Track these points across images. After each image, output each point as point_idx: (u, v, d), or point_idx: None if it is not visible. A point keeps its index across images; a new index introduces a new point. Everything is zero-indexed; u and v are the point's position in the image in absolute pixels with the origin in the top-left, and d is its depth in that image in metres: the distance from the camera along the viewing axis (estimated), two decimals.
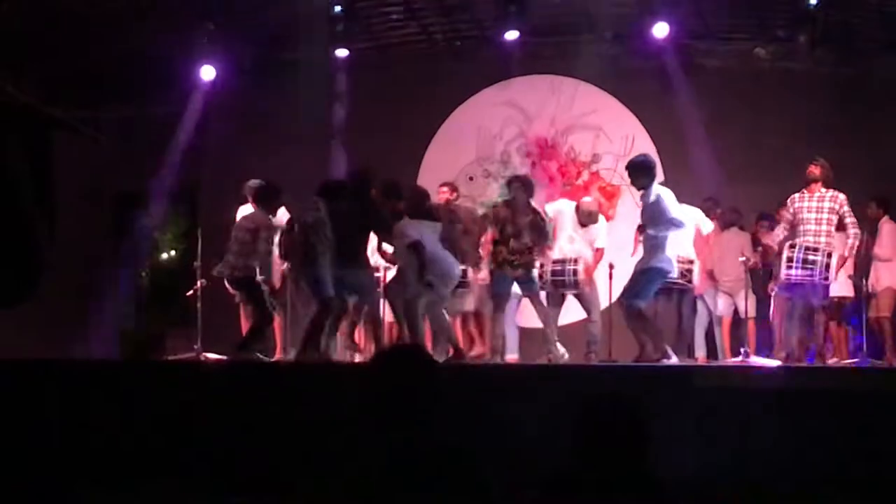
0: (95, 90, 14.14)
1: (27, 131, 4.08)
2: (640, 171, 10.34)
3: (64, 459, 7.48)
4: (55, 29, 12.76)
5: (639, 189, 10.42)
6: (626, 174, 14.11)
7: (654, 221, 10.09)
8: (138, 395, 8.01)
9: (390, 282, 10.83)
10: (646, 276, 10.16)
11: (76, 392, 7.96)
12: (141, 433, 7.72)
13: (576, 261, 11.33)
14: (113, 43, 13.21)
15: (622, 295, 10.32)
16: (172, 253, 14.58)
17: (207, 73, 14.02)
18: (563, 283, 11.31)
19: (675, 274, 10.60)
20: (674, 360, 10.07)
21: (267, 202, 10.90)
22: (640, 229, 10.31)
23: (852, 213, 10.55)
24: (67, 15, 12.56)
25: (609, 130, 14.70)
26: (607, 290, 11.70)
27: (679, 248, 11.54)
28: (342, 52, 13.88)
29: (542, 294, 11.58)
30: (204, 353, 11.22)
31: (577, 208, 11.78)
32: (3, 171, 3.45)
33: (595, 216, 11.77)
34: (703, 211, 12.17)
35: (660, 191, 10.25)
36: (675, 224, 10.14)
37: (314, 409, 7.68)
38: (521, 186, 11.17)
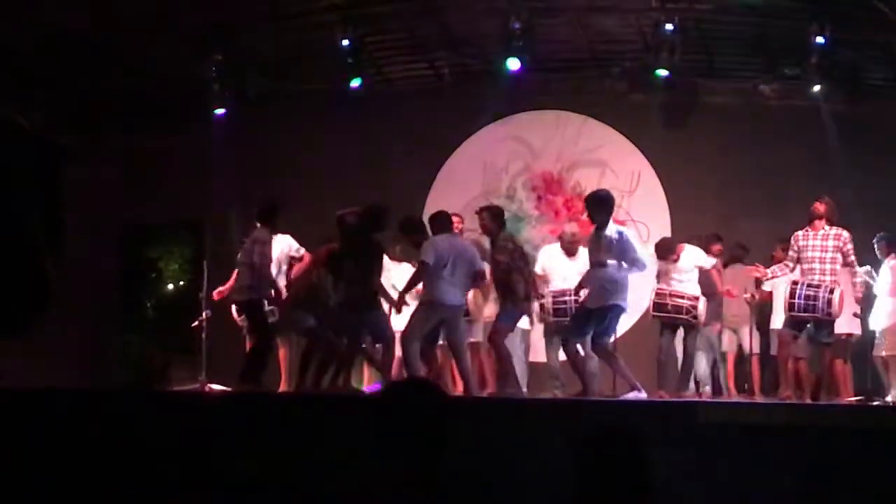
0: (101, 119, 14.18)
1: (35, 161, 4.11)
2: (601, 206, 10.29)
3: (67, 488, 7.46)
4: (62, 58, 12.82)
5: (598, 225, 10.30)
6: (631, 210, 14.32)
7: (620, 258, 10.05)
8: (142, 425, 8.00)
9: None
10: (613, 314, 10.22)
11: (80, 421, 7.95)
12: (144, 463, 7.70)
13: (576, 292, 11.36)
14: (120, 72, 13.27)
15: (588, 336, 10.32)
16: (178, 283, 14.56)
17: (214, 103, 14.03)
18: (564, 311, 11.31)
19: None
20: (643, 395, 10.05)
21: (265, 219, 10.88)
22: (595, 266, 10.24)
23: (855, 251, 10.55)
24: (74, 44, 12.62)
25: (615, 166, 14.72)
26: None
27: (685, 285, 11.57)
28: (349, 85, 13.89)
29: (542, 327, 11.67)
30: (208, 384, 11.22)
31: (560, 237, 11.85)
32: (11, 200, 3.47)
33: (578, 236, 11.78)
34: (704, 247, 12.15)
35: (621, 228, 10.29)
36: (640, 265, 10.17)
37: (319, 441, 7.66)
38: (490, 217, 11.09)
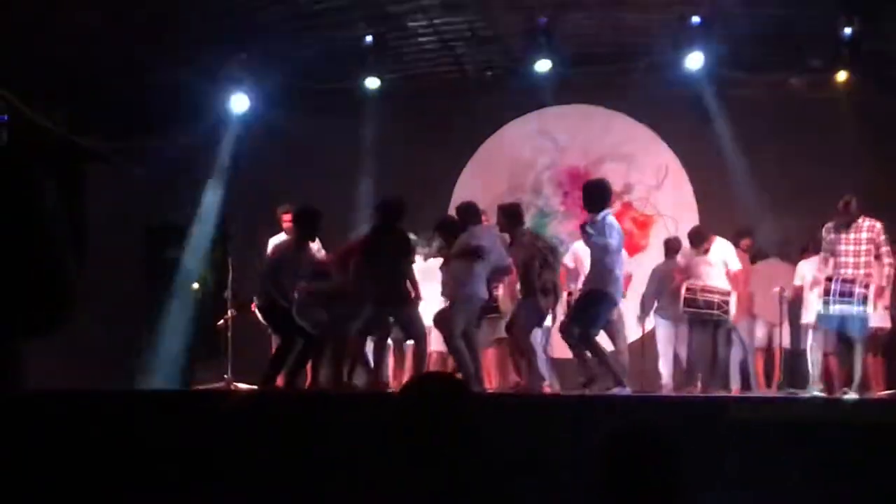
0: (127, 121, 14.19)
1: (59, 163, 4.11)
2: (590, 196, 10.26)
3: (92, 487, 7.47)
4: (87, 60, 12.84)
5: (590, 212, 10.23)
6: (659, 204, 14.26)
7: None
8: (166, 424, 8.00)
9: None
10: (595, 301, 10.12)
11: (106, 421, 7.96)
12: (170, 462, 7.70)
13: None
14: (145, 73, 13.28)
15: (573, 322, 10.18)
16: (203, 283, 14.55)
17: (239, 102, 14.04)
18: None
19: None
20: (627, 390, 9.96)
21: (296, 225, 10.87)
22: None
23: (888, 242, 10.45)
24: (100, 46, 12.64)
25: (642, 161, 14.66)
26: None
27: (717, 279, 11.52)
28: (374, 83, 13.87)
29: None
30: (234, 383, 11.22)
31: None
32: (35, 202, 3.45)
33: None
34: (733, 241, 12.07)
35: (604, 214, 10.15)
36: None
37: (344, 439, 7.64)
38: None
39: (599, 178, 11.01)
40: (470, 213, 10.63)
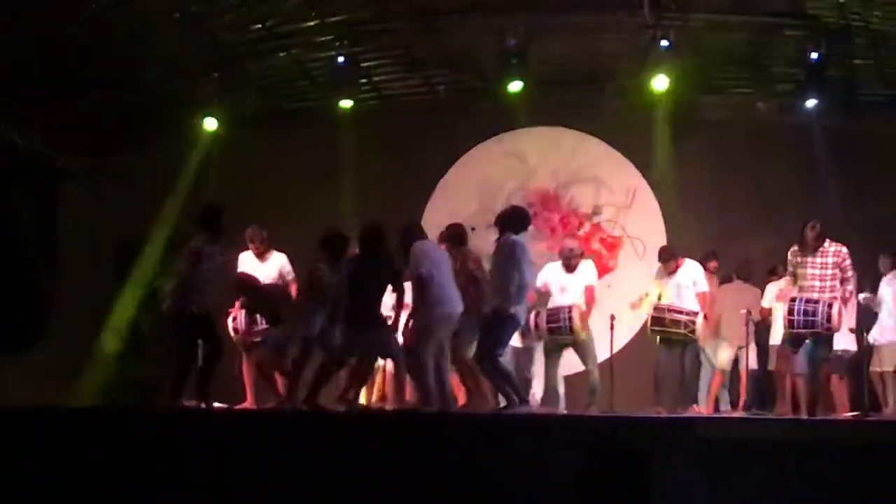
0: (99, 138, 14.18)
1: (32, 180, 4.13)
2: (505, 222, 10.19)
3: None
4: (60, 77, 12.83)
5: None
6: (627, 226, 14.38)
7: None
8: (138, 442, 8.00)
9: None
10: (499, 321, 9.96)
11: (78, 438, 7.95)
12: (142, 480, 7.71)
13: (570, 308, 11.36)
14: (117, 91, 13.29)
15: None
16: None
17: (210, 121, 14.05)
18: (559, 329, 11.31)
19: None
20: (526, 408, 9.98)
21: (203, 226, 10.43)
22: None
23: (852, 267, 10.56)
24: (72, 63, 12.64)
25: (611, 182, 14.77)
26: (608, 342, 11.75)
27: (686, 300, 11.61)
28: (345, 103, 13.91)
29: (539, 345, 11.66)
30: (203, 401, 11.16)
31: (560, 252, 11.84)
32: (9, 220, 3.49)
33: (577, 250, 11.80)
34: (701, 263, 12.17)
35: (514, 238, 10.05)
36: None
37: (317, 458, 7.66)
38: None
39: (519, 207, 10.97)
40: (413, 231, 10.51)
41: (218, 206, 10.58)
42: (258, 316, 11.28)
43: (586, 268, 11.86)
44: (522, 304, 10.00)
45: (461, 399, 10.98)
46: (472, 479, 5.42)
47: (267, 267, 11.72)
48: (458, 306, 9.94)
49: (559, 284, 11.70)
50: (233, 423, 8.86)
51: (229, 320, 11.43)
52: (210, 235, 10.25)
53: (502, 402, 10.28)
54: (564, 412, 11.57)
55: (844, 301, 10.64)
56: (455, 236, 10.74)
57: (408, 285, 10.13)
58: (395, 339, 10.36)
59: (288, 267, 11.83)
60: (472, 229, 14.33)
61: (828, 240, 10.54)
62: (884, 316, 11.74)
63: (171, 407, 9.92)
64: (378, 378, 11.78)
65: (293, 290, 11.53)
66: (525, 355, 12.00)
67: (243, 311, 11.31)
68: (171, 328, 10.54)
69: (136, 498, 7.70)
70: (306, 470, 7.64)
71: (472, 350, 10.31)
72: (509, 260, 9.84)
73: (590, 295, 11.70)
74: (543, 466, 7.20)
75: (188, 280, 10.11)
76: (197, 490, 7.73)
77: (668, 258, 11.87)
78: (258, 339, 11.40)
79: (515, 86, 13.44)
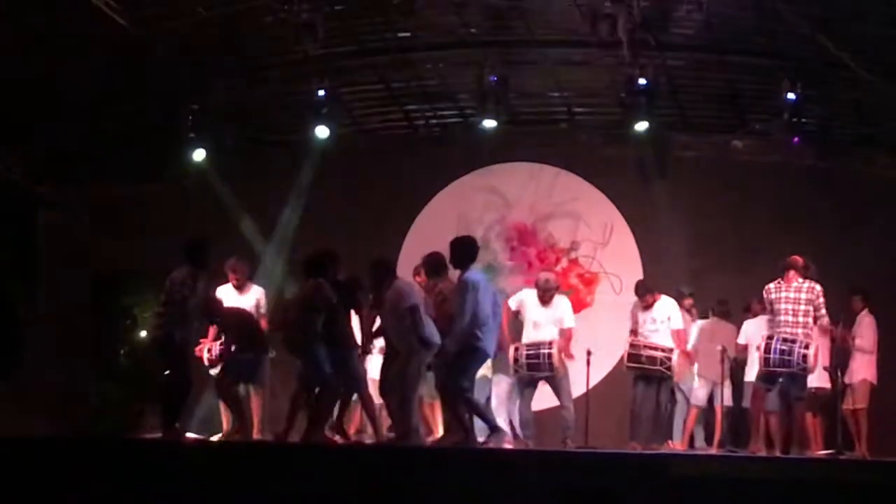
0: (77, 168, 14.19)
1: (12, 209, 4.14)
2: (455, 252, 10.24)
3: None
4: (41, 108, 12.84)
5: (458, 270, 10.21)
6: (604, 262, 14.43)
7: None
8: (115, 472, 7.98)
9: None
10: (468, 354, 9.99)
11: (54, 468, 7.92)
12: None
13: (550, 344, 11.37)
14: (98, 122, 13.31)
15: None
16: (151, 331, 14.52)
17: (191, 152, 14.05)
18: (538, 366, 11.33)
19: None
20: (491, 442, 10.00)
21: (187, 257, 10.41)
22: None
23: (825, 306, 10.63)
24: (53, 94, 12.65)
25: (588, 218, 14.81)
26: (584, 377, 11.77)
27: (661, 336, 11.66)
28: (324, 134, 13.91)
29: (513, 379, 11.65)
30: (184, 431, 11.14)
31: (536, 283, 11.84)
32: None
33: (553, 283, 11.79)
34: (677, 300, 12.22)
35: (469, 276, 10.09)
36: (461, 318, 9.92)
37: (297, 489, 7.66)
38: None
39: (465, 236, 10.99)
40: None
41: (202, 240, 10.57)
42: (230, 345, 11.29)
43: (562, 305, 11.83)
44: (488, 336, 10.02)
45: (437, 432, 11.03)
46: None
47: (246, 299, 11.72)
48: (437, 338, 9.98)
49: (533, 320, 11.69)
50: (201, 455, 8.84)
51: (204, 351, 11.39)
52: (192, 269, 10.24)
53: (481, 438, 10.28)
54: (532, 447, 11.57)
55: (831, 339, 10.74)
56: (434, 265, 10.77)
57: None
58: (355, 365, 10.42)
59: (264, 301, 11.84)
60: (445, 260, 14.40)
61: (802, 277, 10.62)
62: (856, 354, 11.82)
63: (170, 437, 9.92)
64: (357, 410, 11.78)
65: (263, 323, 11.52)
66: (481, 389, 11.90)
67: (217, 343, 11.29)
68: (156, 356, 10.51)
69: None
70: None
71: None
72: (462, 299, 9.86)
73: (569, 335, 11.71)
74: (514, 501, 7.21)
75: (172, 310, 10.09)
76: None
77: (645, 292, 11.92)
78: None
79: (493, 121, 13.48)
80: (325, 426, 10.34)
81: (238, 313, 11.10)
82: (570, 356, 11.66)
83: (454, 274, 10.42)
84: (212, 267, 10.85)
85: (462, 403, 10.04)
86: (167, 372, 10.30)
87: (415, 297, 10.06)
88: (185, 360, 10.29)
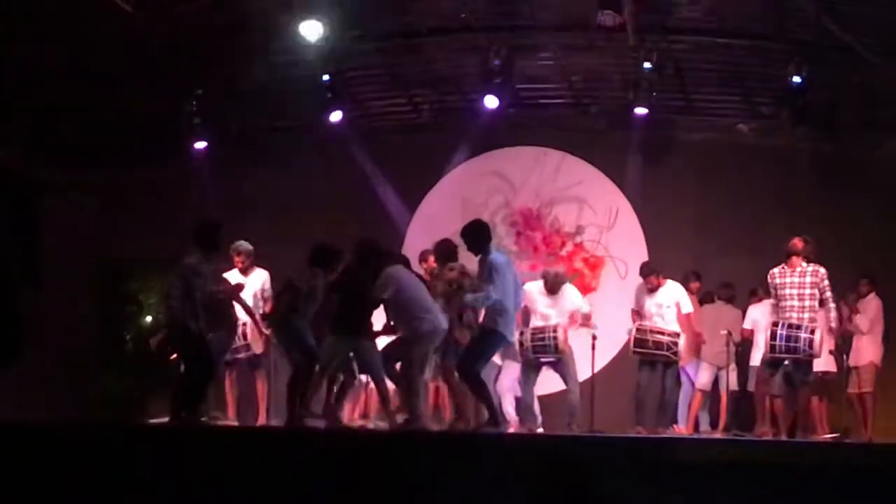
0: (81, 154, 14.18)
1: (14, 196, 4.14)
2: (471, 237, 10.23)
3: None
4: (42, 95, 12.83)
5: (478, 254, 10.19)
6: (609, 246, 14.41)
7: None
8: (119, 459, 7.98)
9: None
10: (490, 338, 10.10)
11: (57, 455, 7.92)
12: (123, 498, 7.68)
13: (555, 328, 11.38)
14: (101, 107, 13.29)
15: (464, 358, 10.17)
16: (157, 316, 14.53)
17: (196, 138, 14.04)
18: (544, 347, 11.34)
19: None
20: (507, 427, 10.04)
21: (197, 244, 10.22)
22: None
23: (830, 288, 10.62)
24: (55, 79, 12.64)
25: (593, 202, 14.80)
26: (590, 361, 11.78)
27: (667, 321, 11.65)
28: (331, 119, 13.90)
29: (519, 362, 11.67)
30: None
31: (543, 276, 11.84)
32: None
33: (561, 276, 11.80)
34: (683, 284, 12.21)
35: (494, 256, 10.13)
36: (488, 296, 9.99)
37: (300, 476, 7.65)
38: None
39: (473, 220, 10.97)
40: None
41: (214, 223, 10.41)
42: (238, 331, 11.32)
43: (570, 294, 11.85)
44: (508, 321, 10.06)
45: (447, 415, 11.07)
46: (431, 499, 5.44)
47: (250, 282, 11.73)
48: (438, 323, 9.98)
49: (541, 311, 11.71)
50: (208, 440, 8.83)
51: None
52: (205, 253, 10.10)
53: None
54: (541, 431, 11.58)
55: (831, 332, 10.75)
56: (445, 252, 10.81)
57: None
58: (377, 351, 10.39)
59: (269, 284, 11.83)
60: (456, 247, 14.38)
61: (807, 260, 10.62)
62: (859, 337, 11.81)
63: (193, 424, 9.90)
64: (362, 395, 11.79)
65: (268, 307, 11.51)
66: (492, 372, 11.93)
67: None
68: (176, 344, 10.42)
69: None
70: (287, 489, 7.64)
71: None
72: (490, 279, 9.88)
73: (587, 319, 11.74)
74: (511, 488, 7.18)
75: (186, 297, 9.88)
76: None
77: (649, 273, 11.90)
78: (239, 356, 11.45)
79: (490, 102, 13.46)
80: (309, 403, 10.28)
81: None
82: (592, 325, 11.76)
83: (467, 261, 10.47)
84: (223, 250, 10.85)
85: (474, 385, 10.09)
86: (186, 358, 10.24)
87: (391, 286, 10.03)
88: (206, 345, 10.18)
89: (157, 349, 11.11)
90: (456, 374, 10.30)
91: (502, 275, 9.90)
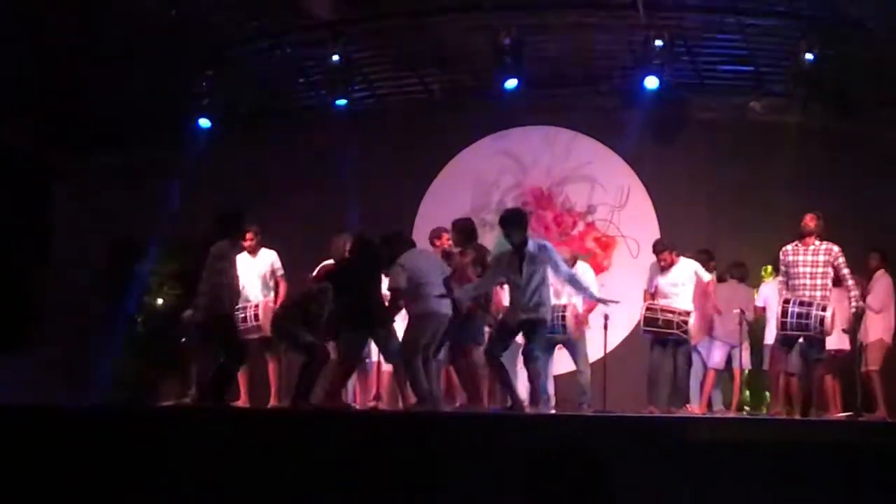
0: (90, 136, 14.18)
1: (24, 179, 4.12)
2: (511, 225, 10.03)
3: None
4: (52, 76, 12.82)
5: (516, 243, 10.00)
6: (621, 225, 14.37)
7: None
8: (131, 441, 7.99)
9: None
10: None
11: (70, 438, 7.93)
12: (135, 480, 7.69)
13: (564, 307, 11.35)
14: (110, 89, 13.28)
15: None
16: (167, 299, 14.54)
17: (204, 120, 14.03)
18: (552, 328, 11.29)
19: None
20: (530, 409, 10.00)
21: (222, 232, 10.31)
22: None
23: (847, 265, 10.56)
24: (63, 61, 12.62)
25: (604, 181, 14.75)
26: (602, 341, 11.76)
27: (679, 299, 11.60)
28: (339, 102, 13.90)
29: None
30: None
31: None
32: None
33: (570, 261, 11.75)
34: (703, 262, 12.17)
35: (540, 242, 10.14)
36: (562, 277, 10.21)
37: (310, 458, 7.65)
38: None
39: (510, 209, 10.92)
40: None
41: (238, 212, 10.55)
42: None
43: (582, 272, 11.77)
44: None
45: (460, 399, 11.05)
46: (441, 478, 5.42)
47: (258, 263, 11.72)
48: (438, 307, 9.98)
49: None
50: (223, 422, 8.84)
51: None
52: (232, 241, 10.20)
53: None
54: (553, 412, 11.55)
55: (855, 305, 10.66)
56: (465, 231, 10.78)
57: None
58: (396, 339, 10.36)
59: (279, 263, 11.83)
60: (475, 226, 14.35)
61: (820, 238, 10.57)
62: (869, 314, 11.75)
63: (225, 407, 9.99)
64: (373, 378, 11.78)
65: (282, 287, 11.51)
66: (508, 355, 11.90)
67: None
68: (210, 331, 10.33)
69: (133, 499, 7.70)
70: (297, 470, 7.64)
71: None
72: (532, 268, 9.87)
73: (594, 304, 11.67)
74: (515, 468, 7.15)
75: (218, 283, 9.97)
76: (192, 489, 7.72)
77: (662, 249, 11.85)
78: (251, 337, 11.43)
79: (509, 85, 13.42)
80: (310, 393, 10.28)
81: None
82: (580, 322, 11.65)
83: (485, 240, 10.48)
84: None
85: (498, 370, 10.11)
86: (222, 343, 10.21)
87: (403, 274, 10.05)
88: (238, 331, 10.35)
89: (187, 325, 11.22)
90: (465, 358, 10.35)
91: (535, 262, 9.86)
